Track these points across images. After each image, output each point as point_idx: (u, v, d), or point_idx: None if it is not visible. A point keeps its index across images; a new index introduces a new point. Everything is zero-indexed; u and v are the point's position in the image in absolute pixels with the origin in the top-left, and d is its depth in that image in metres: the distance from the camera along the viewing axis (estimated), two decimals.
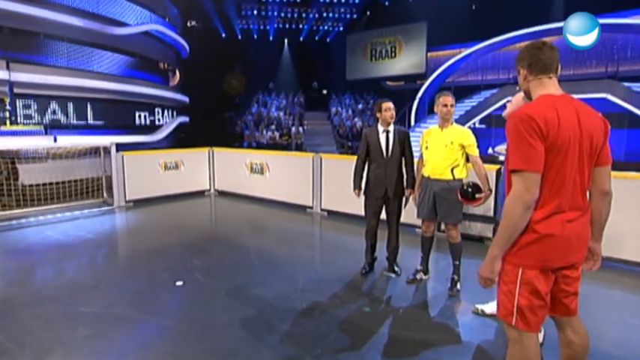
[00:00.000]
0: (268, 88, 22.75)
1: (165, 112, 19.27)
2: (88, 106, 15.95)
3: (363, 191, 4.10)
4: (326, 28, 22.54)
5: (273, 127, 18.19)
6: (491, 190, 3.43)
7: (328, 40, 23.30)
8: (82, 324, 3.07)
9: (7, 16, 13.22)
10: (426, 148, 3.73)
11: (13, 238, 5.46)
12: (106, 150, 7.25)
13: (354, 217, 6.20)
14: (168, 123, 18.85)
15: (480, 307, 3.27)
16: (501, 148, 11.20)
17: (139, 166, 7.48)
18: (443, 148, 3.58)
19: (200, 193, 8.31)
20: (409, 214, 4.58)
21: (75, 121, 15.53)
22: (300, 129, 18.81)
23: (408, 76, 20.95)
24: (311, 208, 6.98)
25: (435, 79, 18.58)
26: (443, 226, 4.02)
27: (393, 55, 20.99)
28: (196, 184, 8.35)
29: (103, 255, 4.92)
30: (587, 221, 1.82)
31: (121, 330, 3.01)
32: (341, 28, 22.69)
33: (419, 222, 5.85)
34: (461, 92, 17.87)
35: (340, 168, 6.64)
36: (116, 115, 16.76)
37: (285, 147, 17.16)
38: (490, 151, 15.58)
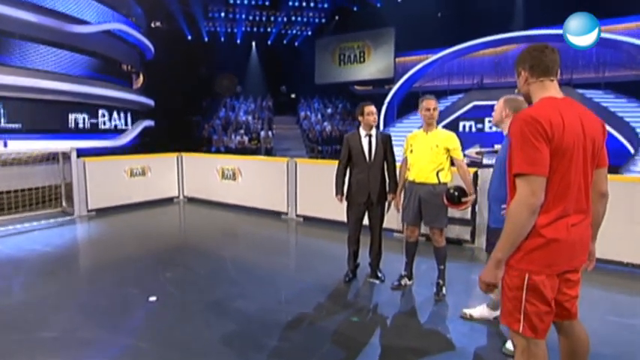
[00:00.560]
0: (236, 91, 22.35)
1: (128, 115, 18.47)
2: (41, 108, 14.97)
3: (345, 197, 3.99)
4: (294, 32, 22.44)
5: (241, 131, 17.84)
6: (476, 194, 3.41)
7: (296, 44, 23.22)
8: (42, 352, 2.74)
9: None
10: (411, 151, 3.68)
11: None
12: (66, 156, 6.76)
13: (331, 223, 6.08)
14: (133, 127, 18.08)
15: (467, 311, 3.23)
16: (471, 151, 11.47)
17: (102, 173, 7.03)
18: (428, 152, 3.54)
19: (168, 201, 7.94)
20: (387, 217, 4.51)
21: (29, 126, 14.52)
22: (270, 133, 18.57)
23: (377, 80, 21.23)
24: (286, 214, 6.81)
25: (403, 83, 18.91)
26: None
27: (362, 59, 21.20)
28: (164, 190, 7.97)
29: (62, 270, 4.48)
30: (589, 224, 1.82)
31: (88, 356, 2.72)
32: (309, 33, 22.67)
33: (396, 226, 5.91)
34: None
35: (316, 173, 6.54)
36: (66, 118, 15.80)
37: (255, 151, 16.87)
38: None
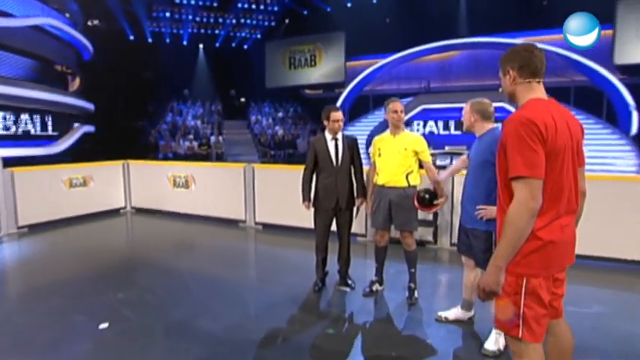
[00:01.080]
0: (183, 95, 21.42)
1: (63, 120, 17.02)
2: None
3: (312, 203, 3.86)
4: (243, 35, 21.94)
5: (190, 136, 17.11)
6: (446, 196, 3.41)
7: (246, 47, 22.73)
8: None
9: None
10: (379, 155, 3.61)
11: None
12: None
13: (291, 230, 5.92)
14: (70, 133, 16.68)
15: (442, 314, 3.21)
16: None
17: (35, 184, 6.33)
18: (397, 155, 3.49)
19: (114, 212, 7.34)
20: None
21: None
22: (220, 138, 17.99)
23: (327, 84, 21.33)
24: (244, 222, 6.54)
25: (354, 87, 19.17)
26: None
27: (313, 63, 21.21)
28: (110, 201, 7.36)
29: None
30: (574, 223, 1.84)
31: None
32: (259, 36, 22.29)
33: (360, 230, 5.86)
34: (378, 100, 18.66)
35: (274, 178, 6.34)
36: None
37: (205, 157, 16.24)
38: None
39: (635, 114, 13.55)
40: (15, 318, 3.44)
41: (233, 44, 22.47)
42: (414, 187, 3.53)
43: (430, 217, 5.24)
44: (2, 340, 2.98)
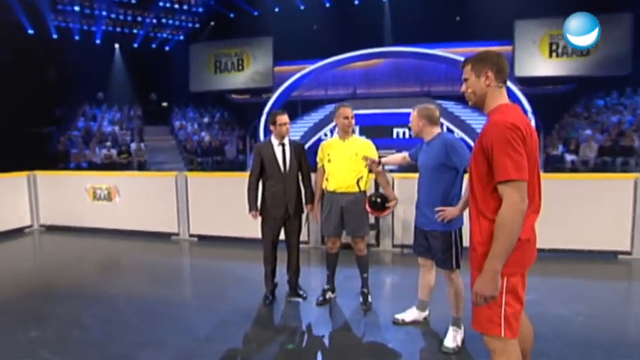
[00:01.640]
0: (97, 99, 19.52)
1: None
2: None
3: (259, 212, 3.68)
4: (165, 35, 20.66)
5: (108, 143, 15.62)
6: (396, 199, 3.45)
7: (167, 48, 21.42)
8: None
9: None
10: (329, 161, 3.55)
11: None
12: None
13: (230, 241, 5.65)
14: None
15: (399, 316, 3.24)
16: None
17: None
18: (348, 160, 3.46)
19: (17, 232, 6.39)
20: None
21: None
22: (142, 145, 16.73)
23: (255, 89, 20.98)
24: (177, 235, 6.08)
25: (282, 93, 19.09)
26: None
27: (240, 68, 20.69)
28: (11, 220, 6.40)
29: None
30: None
31: None
32: (181, 37, 21.16)
33: (302, 237, 5.75)
34: (307, 106, 18.81)
35: (209, 187, 6.03)
36: None
37: (125, 166, 14.95)
38: None
39: (532, 119, 15.32)
40: None
41: (153, 45, 21.05)
42: (365, 192, 3.53)
43: (372, 219, 5.31)
44: None
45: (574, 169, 12.36)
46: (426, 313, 3.23)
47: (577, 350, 2.79)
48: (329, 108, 18.36)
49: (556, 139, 14.33)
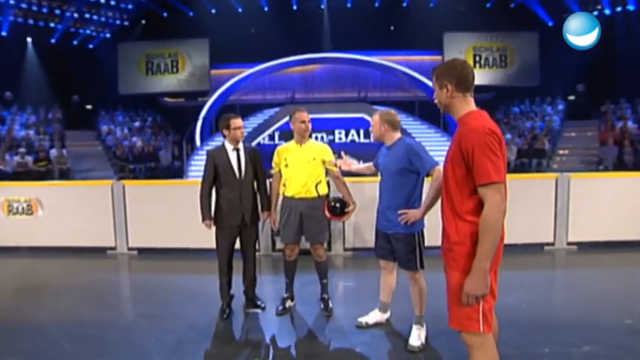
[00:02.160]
0: (4, 98, 17.41)
1: None
2: None
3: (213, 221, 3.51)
4: (88, 32, 19.00)
5: (22, 150, 14.00)
6: (355, 204, 3.47)
7: (91, 46, 19.74)
8: None
9: None
10: (286, 166, 3.49)
11: None
12: None
13: (174, 252, 5.34)
14: None
15: (362, 320, 3.26)
16: None
17: None
18: (306, 165, 3.42)
19: None
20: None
21: None
22: (64, 151, 15.25)
23: (190, 92, 20.16)
24: (114, 249, 5.61)
25: (219, 96, 18.55)
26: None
27: (175, 70, 19.74)
28: None
29: None
30: None
31: None
32: (108, 35, 19.63)
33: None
34: (245, 110, 18.47)
35: (149, 195, 5.66)
36: None
37: (44, 175, 13.53)
38: None
39: None
40: None
41: (75, 42, 19.28)
42: (323, 197, 3.51)
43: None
44: None
45: None
46: (388, 314, 3.29)
47: (526, 335, 3.04)
48: (268, 112, 18.19)
49: None
